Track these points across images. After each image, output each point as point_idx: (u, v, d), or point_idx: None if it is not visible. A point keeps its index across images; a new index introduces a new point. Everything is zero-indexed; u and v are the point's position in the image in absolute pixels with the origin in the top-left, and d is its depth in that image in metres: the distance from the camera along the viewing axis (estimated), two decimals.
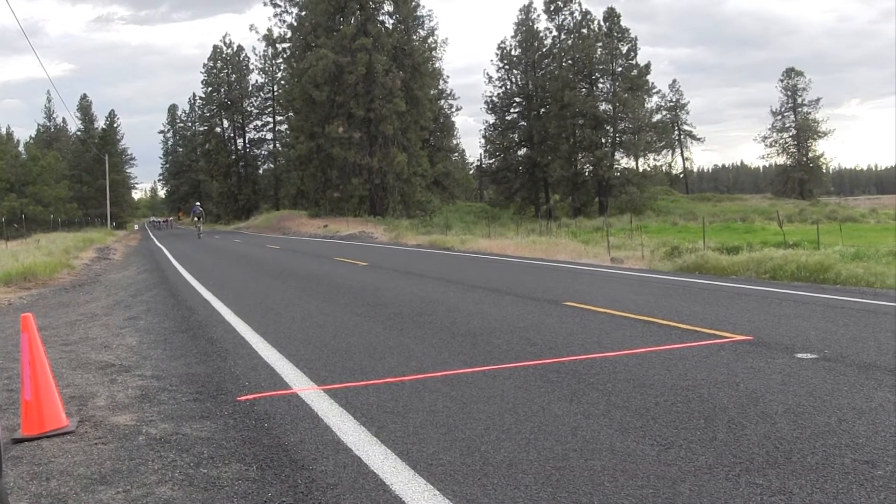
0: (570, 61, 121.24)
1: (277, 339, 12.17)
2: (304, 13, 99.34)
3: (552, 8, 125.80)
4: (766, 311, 14.00)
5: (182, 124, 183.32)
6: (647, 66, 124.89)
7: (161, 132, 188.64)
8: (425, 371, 9.42)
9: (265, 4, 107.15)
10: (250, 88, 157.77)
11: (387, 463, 6.15)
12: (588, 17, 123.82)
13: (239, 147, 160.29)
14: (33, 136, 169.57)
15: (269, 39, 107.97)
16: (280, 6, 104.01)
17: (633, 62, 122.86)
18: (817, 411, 7.18)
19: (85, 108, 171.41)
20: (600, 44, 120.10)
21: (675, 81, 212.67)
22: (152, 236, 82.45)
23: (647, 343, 10.89)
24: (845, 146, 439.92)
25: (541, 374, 9.12)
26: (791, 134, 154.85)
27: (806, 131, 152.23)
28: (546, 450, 6.33)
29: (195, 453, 6.59)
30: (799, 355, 9.77)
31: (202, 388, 9.02)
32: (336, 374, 9.39)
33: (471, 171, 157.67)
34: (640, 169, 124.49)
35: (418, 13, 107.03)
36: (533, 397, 8.00)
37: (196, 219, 76.55)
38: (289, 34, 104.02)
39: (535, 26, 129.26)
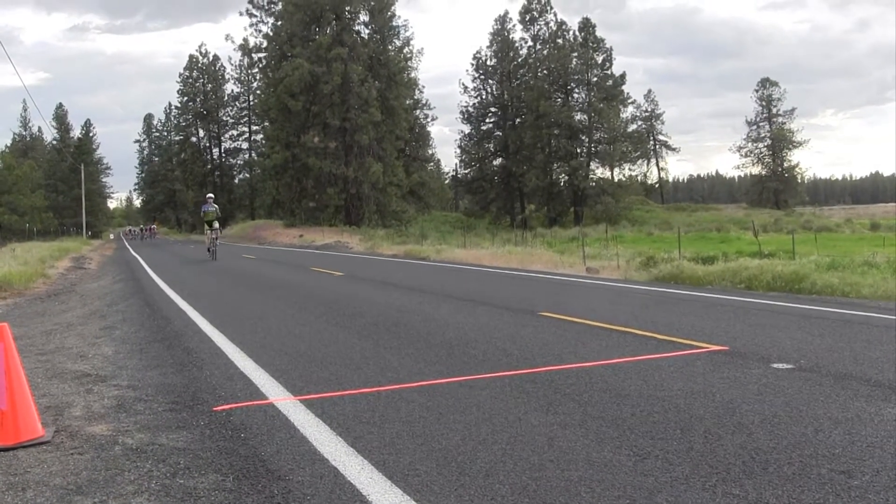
0: (545, 71, 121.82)
1: (253, 349, 12.14)
2: (279, 23, 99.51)
3: (527, 18, 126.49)
4: (741, 321, 14.04)
5: (158, 134, 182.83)
6: (623, 76, 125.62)
7: (137, 141, 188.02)
8: (401, 381, 9.41)
9: (241, 14, 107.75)
10: (226, 98, 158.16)
11: (363, 473, 6.14)
12: (563, 27, 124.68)
13: (214, 157, 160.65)
14: (8, 145, 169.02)
15: (244, 49, 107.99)
16: (256, 16, 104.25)
17: (608, 72, 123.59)
18: (793, 421, 7.20)
19: (60, 117, 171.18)
20: (575, 54, 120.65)
21: (650, 91, 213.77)
22: (128, 245, 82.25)
23: (623, 353, 10.90)
24: (820, 156, 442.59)
25: (517, 384, 9.13)
26: (766, 144, 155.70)
27: (780, 141, 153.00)
28: (522, 460, 6.32)
29: (171, 463, 6.57)
30: (775, 365, 9.80)
31: (178, 398, 9.00)
32: (312, 385, 9.38)
33: (446, 181, 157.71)
34: (616, 179, 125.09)
35: (394, 23, 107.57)
36: (509, 408, 8.00)
37: (208, 226, 43.21)
38: (264, 44, 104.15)
39: (510, 36, 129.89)
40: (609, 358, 10.57)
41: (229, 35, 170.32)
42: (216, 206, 44.47)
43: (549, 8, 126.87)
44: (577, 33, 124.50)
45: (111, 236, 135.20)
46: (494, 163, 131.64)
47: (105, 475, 6.37)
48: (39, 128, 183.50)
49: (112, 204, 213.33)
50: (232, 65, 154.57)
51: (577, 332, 13.13)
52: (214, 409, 8.36)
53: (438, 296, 20.45)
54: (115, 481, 6.22)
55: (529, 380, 9.33)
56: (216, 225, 43.90)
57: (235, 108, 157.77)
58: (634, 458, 6.32)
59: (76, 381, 10.25)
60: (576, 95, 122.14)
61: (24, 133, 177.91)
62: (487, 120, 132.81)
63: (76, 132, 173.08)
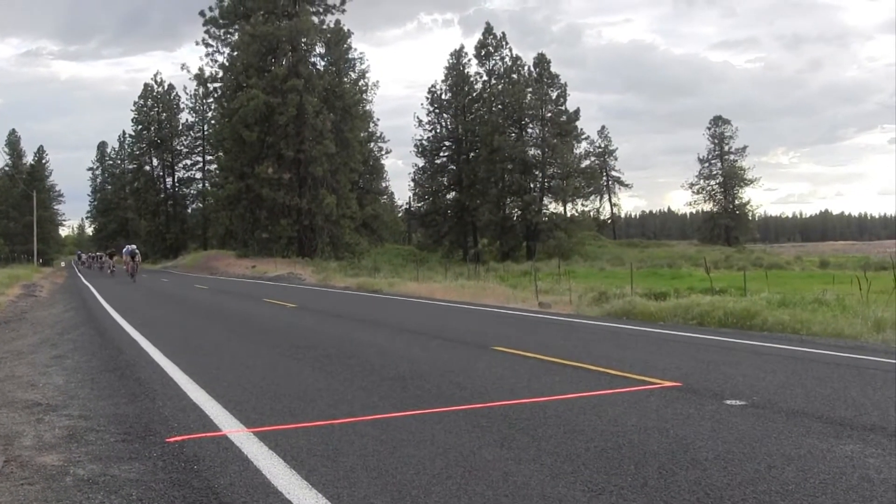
0: (500, 106, 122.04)
1: (206, 380, 12.07)
2: (235, 53, 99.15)
3: (483, 53, 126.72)
4: (694, 358, 14.11)
5: (111, 162, 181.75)
6: (577, 111, 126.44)
7: (90, 169, 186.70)
8: (355, 414, 9.39)
9: (197, 44, 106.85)
10: (180, 127, 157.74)
11: None
12: (518, 62, 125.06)
13: (168, 186, 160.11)
14: None
15: (200, 79, 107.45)
16: (212, 46, 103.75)
17: (563, 108, 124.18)
18: (747, 458, 7.23)
19: (13, 143, 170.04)
20: (530, 89, 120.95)
21: (603, 127, 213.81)
22: (77, 272, 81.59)
23: (577, 388, 10.92)
24: (771, 194, 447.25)
25: (470, 418, 9.13)
26: (718, 181, 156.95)
27: (732, 179, 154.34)
28: (477, 495, 6.32)
29: (124, 495, 6.52)
30: (728, 402, 9.84)
31: (130, 428, 8.94)
32: (265, 417, 9.35)
33: (399, 214, 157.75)
34: (569, 214, 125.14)
35: (350, 56, 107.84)
36: (463, 442, 8.00)
37: None
38: (220, 74, 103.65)
39: (465, 71, 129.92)
40: (563, 393, 10.59)
41: (185, 64, 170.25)
42: None
43: (504, 43, 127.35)
44: (531, 69, 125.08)
45: (62, 264, 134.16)
46: (448, 196, 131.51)
47: None
48: None
49: (64, 231, 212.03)
50: (187, 94, 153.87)
51: (531, 367, 13.16)
52: (167, 440, 8.31)
53: (391, 329, 20.47)
54: None
55: (483, 414, 9.34)
56: None
57: (190, 138, 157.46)
58: (589, 493, 6.32)
59: (26, 411, 10.17)
60: (530, 130, 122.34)
61: None
62: (441, 153, 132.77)
63: (29, 158, 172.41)
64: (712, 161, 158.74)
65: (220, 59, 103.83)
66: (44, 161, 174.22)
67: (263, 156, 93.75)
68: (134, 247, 64.54)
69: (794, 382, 11.27)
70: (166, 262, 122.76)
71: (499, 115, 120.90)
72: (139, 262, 63.86)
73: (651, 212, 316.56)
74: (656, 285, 35.73)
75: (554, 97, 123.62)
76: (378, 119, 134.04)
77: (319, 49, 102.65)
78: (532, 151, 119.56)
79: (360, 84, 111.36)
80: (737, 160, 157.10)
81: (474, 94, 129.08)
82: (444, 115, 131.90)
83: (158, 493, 6.56)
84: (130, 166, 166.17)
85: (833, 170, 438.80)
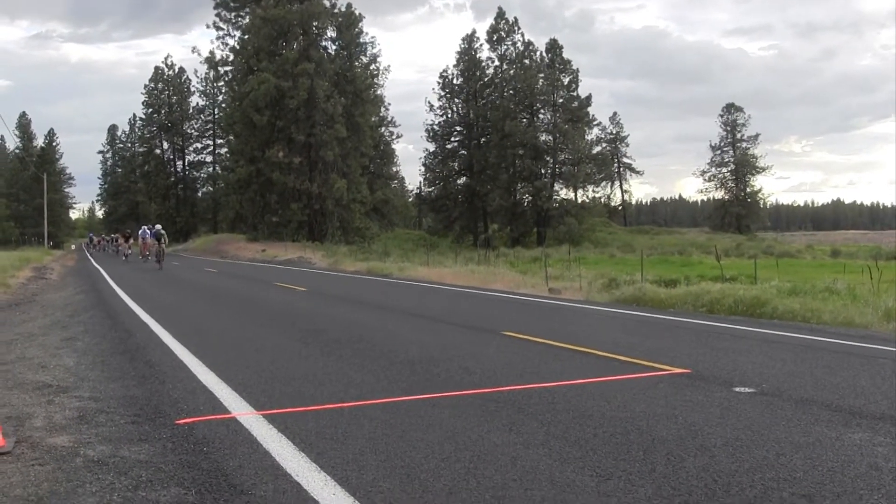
0: (511, 91, 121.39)
1: (216, 363, 12.08)
2: (246, 37, 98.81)
3: (495, 38, 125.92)
4: (703, 345, 14.09)
5: (121, 145, 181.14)
6: (589, 97, 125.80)
7: (100, 152, 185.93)
8: (364, 398, 9.39)
9: (208, 27, 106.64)
10: (191, 111, 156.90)
11: (326, 489, 6.12)
12: (530, 47, 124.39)
13: (178, 169, 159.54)
14: None
15: (211, 62, 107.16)
16: (223, 29, 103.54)
17: (575, 94, 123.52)
18: (755, 445, 7.23)
19: (24, 125, 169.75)
20: (542, 75, 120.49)
21: (615, 114, 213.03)
22: (88, 255, 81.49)
23: (586, 374, 10.91)
24: (783, 182, 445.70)
25: (479, 403, 9.13)
26: (729, 169, 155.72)
27: (744, 166, 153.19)
28: (486, 479, 6.32)
29: (133, 476, 6.53)
30: (737, 389, 9.83)
31: (140, 410, 8.95)
32: (275, 400, 9.35)
33: (410, 199, 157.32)
34: (579, 200, 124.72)
35: (361, 40, 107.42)
36: (472, 426, 7.99)
37: None
38: (231, 57, 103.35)
39: (477, 56, 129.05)
40: (572, 378, 10.58)
41: (196, 48, 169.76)
42: None
43: (516, 28, 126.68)
44: (544, 54, 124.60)
45: (72, 247, 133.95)
46: (458, 182, 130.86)
47: (66, 487, 6.33)
48: (2, 136, 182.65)
49: (74, 214, 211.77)
50: (198, 77, 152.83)
51: (540, 353, 13.15)
52: (177, 422, 8.32)
53: (401, 313, 20.47)
54: (77, 493, 6.18)
55: (492, 399, 9.34)
56: None
57: (200, 121, 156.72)
58: (597, 478, 6.32)
59: (37, 392, 10.18)
60: (541, 116, 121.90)
61: None
62: (452, 139, 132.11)
63: (39, 141, 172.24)
64: (724, 149, 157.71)
65: (231, 42, 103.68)
66: (54, 144, 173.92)
67: (274, 140, 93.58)
68: (159, 227, 55.15)
69: (803, 371, 11.25)
70: (176, 246, 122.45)
71: (510, 101, 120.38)
72: (166, 245, 54.41)
73: (662, 199, 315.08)
74: (666, 272, 35.71)
75: (566, 83, 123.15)
76: (389, 103, 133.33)
77: (331, 33, 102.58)
78: (543, 137, 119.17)
79: (371, 68, 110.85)
80: (749, 148, 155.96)
81: (486, 80, 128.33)
82: (456, 100, 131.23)
83: (168, 475, 6.57)
84: (141, 149, 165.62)
85: (846, 159, 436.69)
